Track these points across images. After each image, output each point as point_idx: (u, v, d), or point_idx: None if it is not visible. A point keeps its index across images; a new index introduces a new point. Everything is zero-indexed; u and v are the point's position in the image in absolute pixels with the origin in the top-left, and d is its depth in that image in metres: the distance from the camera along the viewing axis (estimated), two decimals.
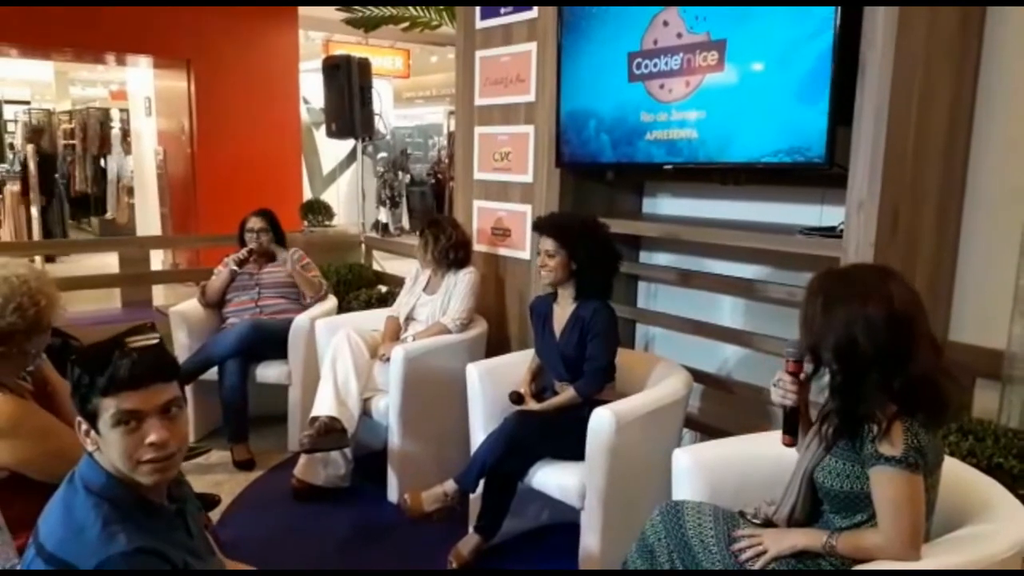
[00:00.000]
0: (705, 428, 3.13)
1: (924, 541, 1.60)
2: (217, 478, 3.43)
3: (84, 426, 1.34)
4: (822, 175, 2.43)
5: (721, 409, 3.18)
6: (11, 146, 12.75)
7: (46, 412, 1.82)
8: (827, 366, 1.66)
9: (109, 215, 10.95)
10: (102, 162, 11.10)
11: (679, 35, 2.72)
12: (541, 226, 2.77)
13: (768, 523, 1.82)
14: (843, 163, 2.30)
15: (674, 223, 3.22)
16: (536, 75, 3.44)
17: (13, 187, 9.33)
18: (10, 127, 12.88)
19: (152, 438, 1.31)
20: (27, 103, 13.44)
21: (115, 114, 11.31)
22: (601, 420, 2.41)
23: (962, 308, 2.51)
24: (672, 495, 2.03)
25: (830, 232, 2.43)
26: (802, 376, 1.76)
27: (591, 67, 3.11)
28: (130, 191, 10.22)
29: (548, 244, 2.70)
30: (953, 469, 1.82)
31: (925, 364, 1.57)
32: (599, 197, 3.44)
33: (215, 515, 2.98)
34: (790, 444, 1.81)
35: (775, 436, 1.87)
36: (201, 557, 1.44)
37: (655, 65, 2.83)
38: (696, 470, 2.01)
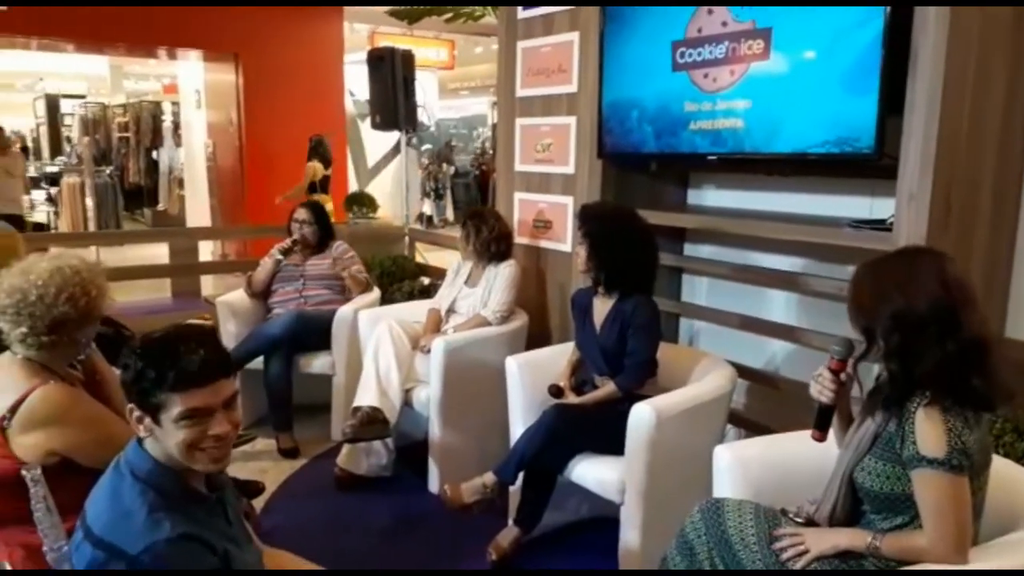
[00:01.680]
0: (751, 425, 3.08)
1: (972, 544, 1.55)
2: (262, 465, 3.49)
3: (137, 414, 1.35)
4: (871, 166, 2.36)
5: (767, 406, 3.13)
6: (68, 139, 13.16)
7: (95, 400, 1.87)
8: (882, 339, 1.61)
9: (161, 206, 11.21)
10: (154, 154, 11.36)
11: (724, 23, 2.67)
12: (579, 214, 2.77)
13: (810, 522, 1.78)
14: (893, 153, 2.23)
15: (719, 215, 3.17)
16: (578, 65, 3.41)
17: (70, 179, 9.61)
18: (67, 120, 13.28)
19: (216, 431, 1.36)
20: (83, 97, 13.83)
21: (167, 107, 11.56)
22: (641, 415, 2.38)
23: (1019, 304, 2.42)
24: (713, 492, 2.00)
25: (879, 225, 2.36)
26: (843, 376, 1.73)
27: (634, 56, 3.07)
28: (181, 183, 10.45)
29: (579, 233, 2.70)
30: (1007, 471, 1.77)
31: (978, 328, 1.56)
32: (642, 188, 3.40)
33: (259, 502, 3.04)
34: (819, 439, 1.78)
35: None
36: (240, 545, 1.47)
37: (699, 54, 2.78)
38: (737, 467, 1.98)
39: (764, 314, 3.13)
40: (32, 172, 12.40)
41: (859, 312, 1.67)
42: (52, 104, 13.86)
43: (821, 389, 1.75)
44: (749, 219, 2.94)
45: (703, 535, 1.85)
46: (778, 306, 3.13)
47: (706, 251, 3.47)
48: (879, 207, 2.61)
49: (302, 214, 4.02)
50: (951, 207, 2.20)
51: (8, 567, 1.73)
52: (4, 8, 6.20)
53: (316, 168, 6.54)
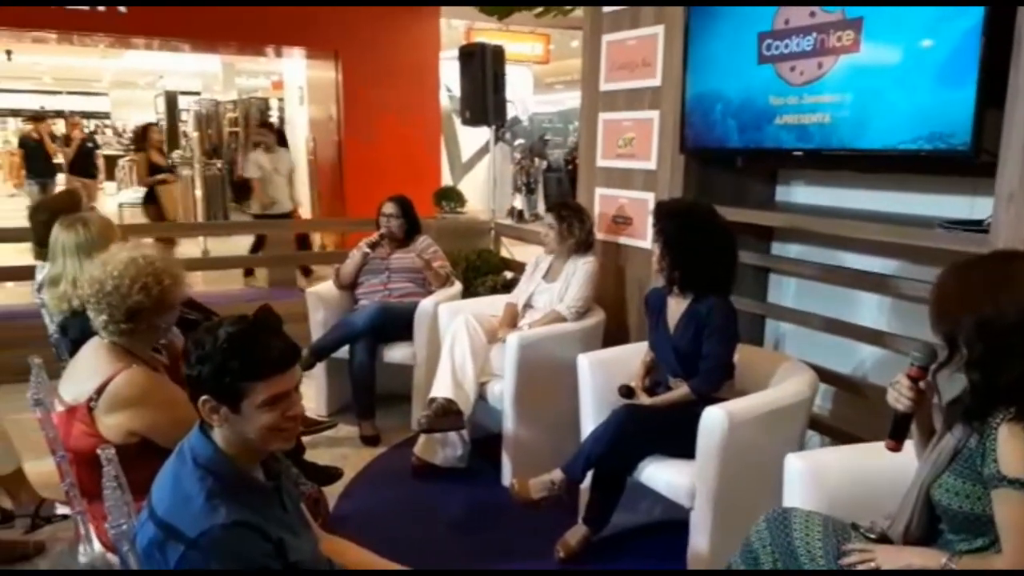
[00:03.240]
0: (835, 432, 2.96)
1: None
2: (344, 451, 3.60)
3: (213, 404, 1.40)
4: (968, 163, 2.21)
5: (855, 413, 2.99)
6: (184, 134, 13.89)
7: (174, 384, 1.97)
8: (965, 347, 1.52)
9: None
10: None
11: (812, 14, 2.56)
12: (654, 210, 2.72)
13: (883, 538, 1.69)
14: (992, 150, 2.08)
15: (808, 213, 3.04)
16: (663, 59, 3.35)
17: (185, 172, 10.13)
18: (184, 116, 14.02)
19: (294, 412, 1.45)
20: (198, 94, 14.58)
21: (273, 103, 12.03)
22: (713, 419, 2.32)
23: None
24: (783, 502, 1.93)
25: (975, 226, 2.21)
26: (922, 384, 1.63)
27: (719, 49, 2.98)
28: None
29: (655, 229, 2.65)
30: None
31: None
32: (726, 185, 3.31)
33: (338, 487, 3.13)
34: (894, 449, 1.69)
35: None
36: (295, 532, 1.52)
37: (786, 46, 2.68)
38: (809, 477, 1.91)
39: (853, 317, 2.99)
40: None
41: (941, 317, 1.57)
42: (171, 100, 14.66)
43: (898, 396, 1.66)
44: (839, 218, 2.81)
45: (768, 544, 1.79)
46: (868, 309, 2.98)
47: (794, 251, 3.35)
48: (980, 207, 2.45)
49: (389, 208, 4.11)
50: None
51: (94, 538, 1.85)
52: (124, 11, 6.60)
53: None
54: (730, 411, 2.32)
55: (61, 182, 9.71)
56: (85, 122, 12.14)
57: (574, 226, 3.37)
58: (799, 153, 2.73)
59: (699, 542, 2.43)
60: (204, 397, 1.40)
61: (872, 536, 1.71)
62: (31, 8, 6.31)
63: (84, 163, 9.81)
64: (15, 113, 20.52)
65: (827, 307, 3.08)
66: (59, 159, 9.80)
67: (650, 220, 3.38)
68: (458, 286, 4.13)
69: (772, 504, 1.91)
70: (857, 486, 1.88)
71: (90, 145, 10.36)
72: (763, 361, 2.85)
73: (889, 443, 1.69)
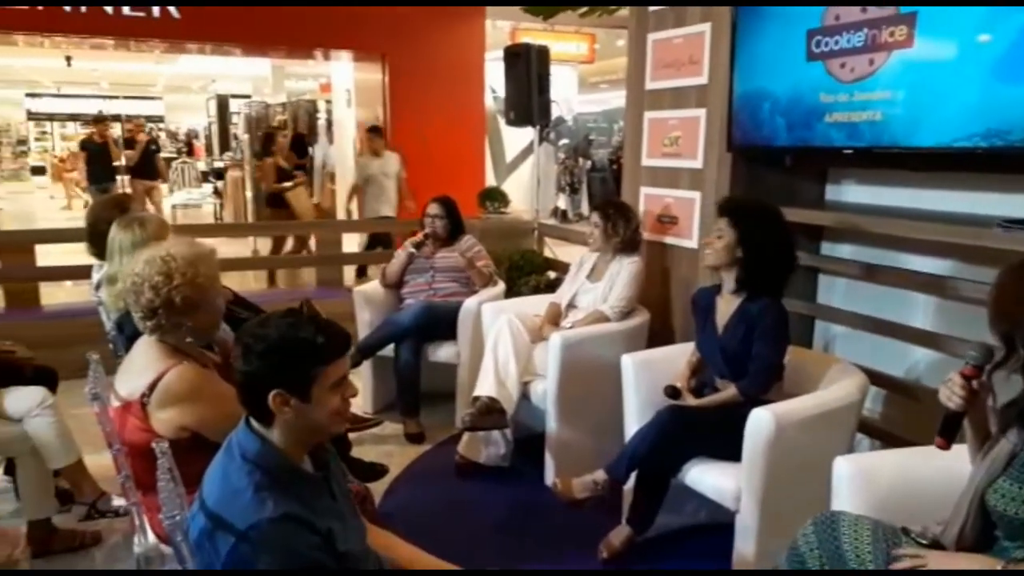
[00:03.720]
0: (887, 436, 2.90)
1: None
2: (389, 448, 3.64)
3: (283, 397, 1.42)
4: None
5: (905, 417, 2.92)
6: (235, 136, 14.18)
7: (224, 381, 2.01)
8: (1023, 347, 1.48)
9: (314, 200, 11.83)
10: (310, 150, 12.02)
11: (863, 9, 2.51)
12: (721, 205, 2.67)
13: (935, 544, 1.65)
14: None
15: (859, 213, 2.99)
16: (709, 57, 3.31)
17: (234, 174, 10.36)
18: (234, 119, 14.31)
19: (352, 392, 1.53)
20: (248, 97, 14.87)
21: (322, 105, 12.19)
22: (760, 421, 2.29)
23: None
24: (831, 505, 1.90)
25: None
26: (975, 384, 1.59)
27: (767, 46, 2.94)
28: (332, 177, 11.00)
29: (721, 224, 2.59)
30: None
31: None
32: (775, 184, 3.26)
33: (382, 484, 3.17)
34: (943, 447, 1.65)
35: (955, 449, 1.70)
36: (344, 520, 1.54)
37: (836, 43, 2.63)
38: (858, 480, 1.88)
39: (905, 319, 2.93)
40: (202, 167, 13.51)
41: (999, 317, 1.54)
42: (222, 104, 14.99)
43: (950, 395, 1.62)
44: (892, 217, 2.75)
45: (815, 548, 1.76)
46: (921, 311, 2.91)
47: (845, 251, 3.29)
48: None
49: (434, 209, 4.15)
50: None
51: (148, 529, 1.91)
52: (177, 15, 6.77)
53: None
54: (777, 413, 2.29)
55: (124, 186, 9.79)
56: (149, 125, 12.09)
57: (619, 225, 3.36)
58: (849, 151, 2.68)
59: (745, 545, 2.40)
60: (275, 391, 1.42)
61: (924, 541, 1.67)
62: (90, 15, 6.52)
63: (148, 166, 9.80)
64: (74, 117, 21.16)
65: (878, 308, 3.02)
66: (119, 162, 9.91)
67: (697, 219, 3.39)
68: (501, 286, 4.14)
69: (820, 508, 1.88)
70: (908, 490, 1.84)
71: (153, 148, 10.27)
72: (812, 363, 2.81)
73: (938, 441, 1.66)
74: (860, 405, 2.55)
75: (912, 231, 2.62)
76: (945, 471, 1.74)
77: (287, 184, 7.63)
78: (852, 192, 3.28)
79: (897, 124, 2.45)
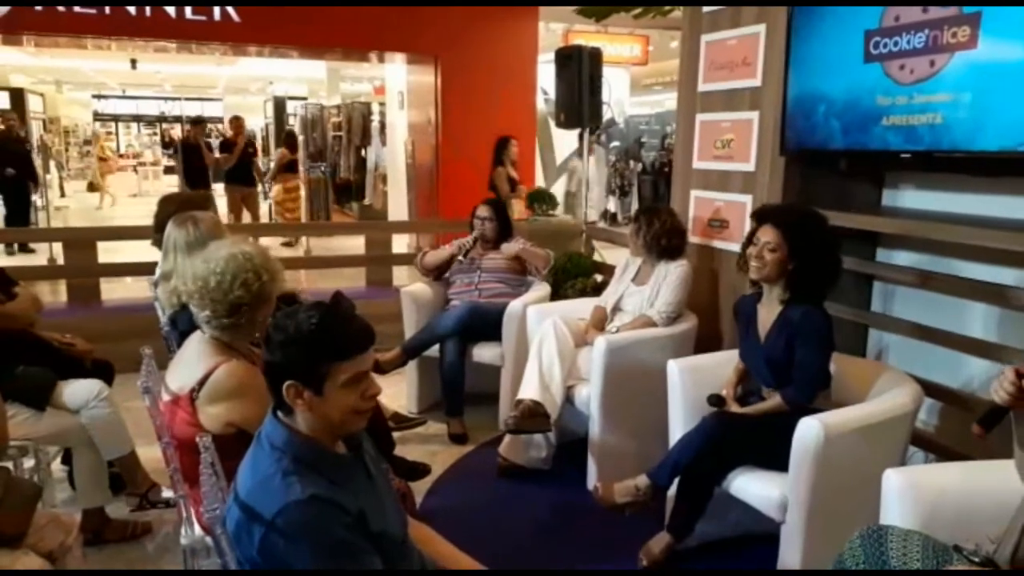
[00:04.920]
0: (940, 449, 2.81)
1: None
2: (432, 448, 3.66)
3: (297, 388, 1.44)
4: None
5: (961, 430, 2.81)
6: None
7: None
8: None
9: (367, 201, 12.00)
10: (363, 152, 12.19)
11: (925, 9, 2.44)
12: (766, 214, 2.59)
13: (988, 563, 1.59)
14: None
15: (918, 219, 2.91)
16: (763, 58, 3.26)
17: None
18: (291, 121, 14.60)
19: (373, 390, 1.51)
20: (304, 99, 15.15)
21: (375, 108, 12.35)
22: (807, 430, 2.24)
23: None
24: (880, 519, 1.85)
25: None
26: None
27: (823, 48, 2.88)
28: (384, 179, 11.14)
29: (770, 235, 2.50)
30: None
31: None
32: (829, 188, 3.19)
33: (425, 484, 3.19)
34: (979, 435, 1.59)
35: (1011, 465, 1.64)
36: (380, 499, 1.55)
37: (895, 44, 2.56)
38: (909, 493, 1.82)
39: (963, 328, 2.83)
40: (260, 166, 13.77)
41: None
42: (279, 105, 15.32)
43: (998, 388, 1.56)
44: (952, 224, 2.66)
45: (862, 564, 1.72)
46: (980, 320, 2.81)
47: (902, 258, 3.20)
48: None
49: (484, 211, 4.16)
50: None
51: (195, 521, 1.95)
52: (237, 19, 6.93)
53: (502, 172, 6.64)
54: (826, 422, 2.24)
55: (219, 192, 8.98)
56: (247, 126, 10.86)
57: (653, 224, 3.34)
58: (907, 155, 2.61)
59: (790, 557, 2.35)
60: (289, 382, 1.43)
61: (976, 560, 1.61)
62: (154, 18, 6.71)
63: (244, 171, 9.16)
64: (137, 118, 21.81)
65: (935, 317, 2.93)
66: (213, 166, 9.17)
67: (748, 224, 3.32)
68: (547, 287, 4.13)
69: (868, 521, 1.83)
70: (961, 506, 1.78)
71: (251, 151, 9.54)
72: (863, 372, 2.73)
73: (976, 428, 1.60)
74: (913, 416, 2.48)
75: (973, 238, 2.53)
76: (1000, 486, 1.67)
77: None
78: (910, 197, 3.19)
79: (959, 127, 2.38)
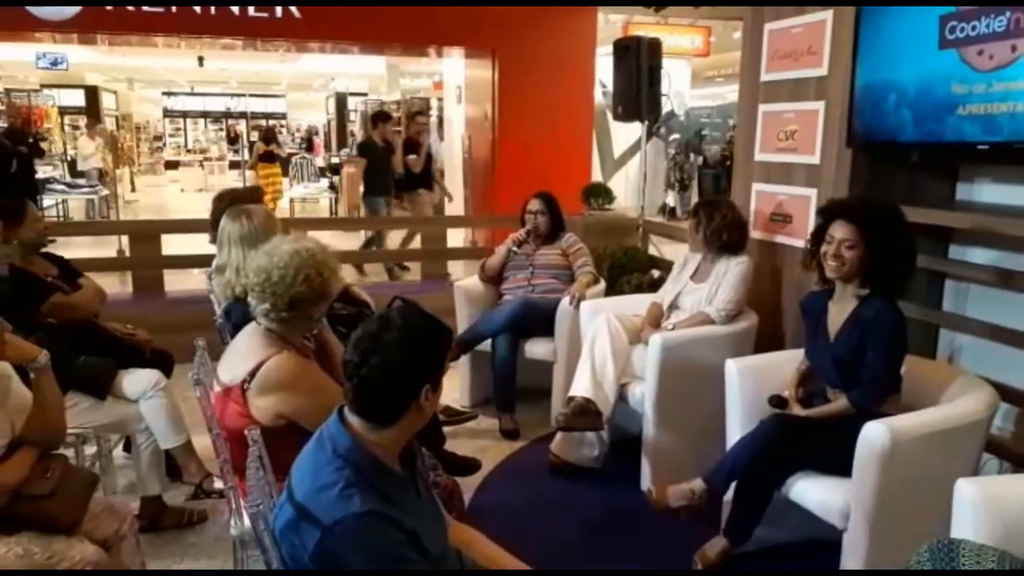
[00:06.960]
0: (1019, 458, 2.67)
1: None
2: (483, 443, 3.64)
3: (430, 387, 1.45)
4: None
5: None
6: (351, 133, 14.65)
7: (322, 371, 2.05)
8: None
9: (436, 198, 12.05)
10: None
11: None
12: (837, 210, 2.46)
13: None
14: None
15: (995, 214, 2.75)
16: (830, 46, 3.13)
17: (349, 169, 10.65)
18: (352, 116, 14.81)
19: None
20: (364, 95, 15.32)
21: (434, 103, 12.41)
22: (873, 435, 2.14)
23: None
24: (951, 531, 1.74)
25: None
26: None
27: (893, 34, 2.75)
28: (442, 173, 11.16)
29: (846, 232, 2.37)
30: None
31: None
32: (898, 181, 3.05)
33: (475, 479, 3.17)
34: None
35: None
36: (429, 519, 1.53)
37: (973, 28, 2.42)
38: (983, 505, 1.71)
39: None
40: (320, 162, 14.00)
41: None
42: (340, 101, 15.54)
43: None
44: None
45: None
46: None
47: (977, 255, 3.04)
48: None
49: (536, 205, 4.11)
50: None
51: (244, 512, 1.95)
52: (299, 16, 7.04)
53: None
54: (893, 427, 2.13)
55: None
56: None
57: (713, 218, 3.25)
58: (985, 147, 2.47)
59: (851, 566, 2.26)
60: (428, 385, 1.44)
61: None
62: (219, 16, 6.87)
63: (425, 173, 8.12)
64: (205, 115, 22.39)
65: (1012, 317, 2.78)
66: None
67: (812, 218, 3.20)
68: (602, 284, 4.06)
69: (938, 533, 1.72)
70: None
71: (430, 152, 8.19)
72: (934, 375, 2.60)
73: None
74: (988, 422, 2.34)
75: None
76: None
77: None
78: (987, 191, 3.02)
79: None
